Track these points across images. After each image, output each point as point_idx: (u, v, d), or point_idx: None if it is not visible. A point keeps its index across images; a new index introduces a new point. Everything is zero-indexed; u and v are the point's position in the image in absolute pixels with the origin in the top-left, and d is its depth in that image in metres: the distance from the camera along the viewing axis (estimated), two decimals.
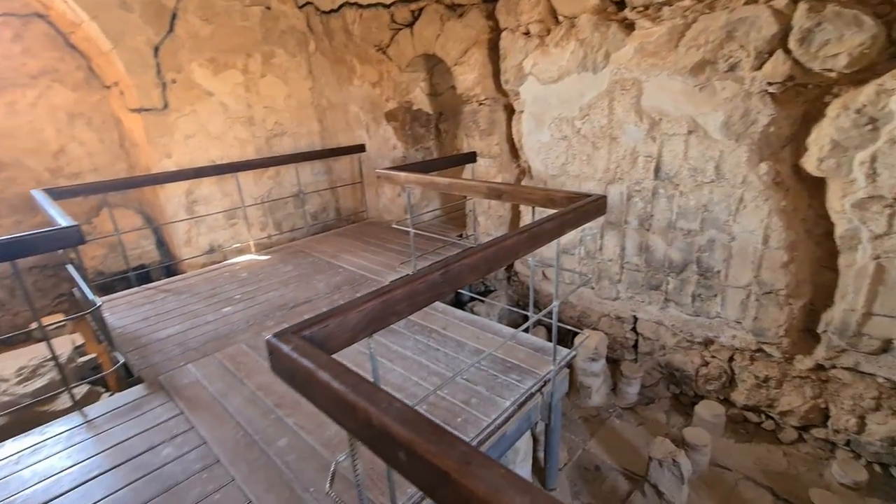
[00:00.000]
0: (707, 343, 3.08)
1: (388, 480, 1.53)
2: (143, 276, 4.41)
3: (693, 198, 2.86)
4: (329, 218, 5.77)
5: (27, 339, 4.07)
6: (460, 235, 4.47)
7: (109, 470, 1.86)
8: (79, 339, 3.36)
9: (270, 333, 2.93)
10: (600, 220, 3.34)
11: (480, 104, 3.86)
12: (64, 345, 3.11)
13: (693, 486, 2.66)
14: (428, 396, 2.13)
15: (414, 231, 3.22)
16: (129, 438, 2.02)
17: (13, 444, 2.04)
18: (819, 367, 2.64)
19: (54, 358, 2.15)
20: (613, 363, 3.58)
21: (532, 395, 2.25)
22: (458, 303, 4.02)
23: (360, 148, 4.92)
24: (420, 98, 4.63)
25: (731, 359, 3.01)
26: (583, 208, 1.93)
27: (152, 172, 4.21)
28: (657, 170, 2.96)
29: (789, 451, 2.81)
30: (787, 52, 2.30)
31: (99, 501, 1.72)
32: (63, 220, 2.14)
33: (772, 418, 2.91)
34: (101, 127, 4.74)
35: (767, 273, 2.68)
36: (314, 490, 1.72)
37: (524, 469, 2.79)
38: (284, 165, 4.91)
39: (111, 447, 1.98)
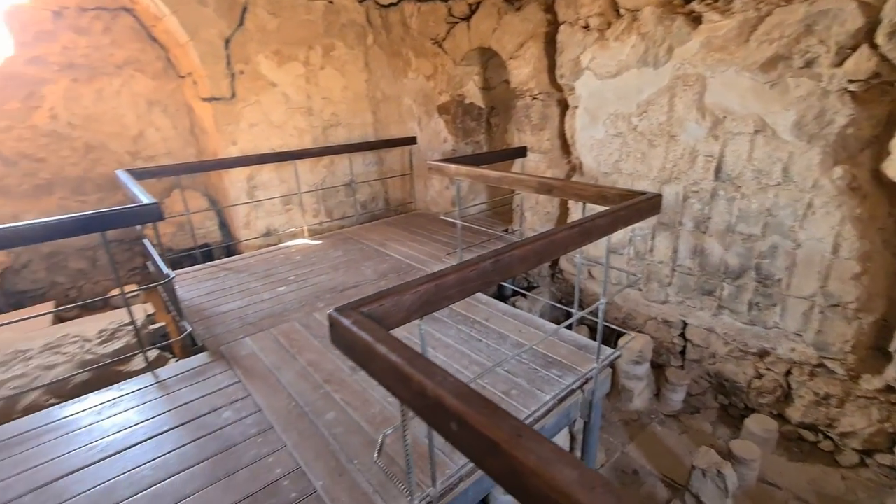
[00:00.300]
0: (762, 354, 2.93)
1: (430, 461, 1.59)
2: (206, 254, 4.74)
3: (756, 201, 2.73)
4: (378, 207, 5.92)
5: (104, 305, 4.49)
6: (506, 230, 4.48)
7: (177, 427, 2.05)
8: (150, 308, 3.67)
9: (321, 314, 3.06)
10: (652, 220, 3.25)
11: (534, 98, 3.83)
12: (137, 313, 3.40)
13: (737, 502, 2.56)
14: (469, 384, 2.18)
15: (462, 223, 3.26)
16: (194, 400, 2.20)
17: (96, 397, 2.28)
18: (889, 389, 2.46)
19: (132, 323, 2.38)
20: (658, 368, 3.48)
21: (573, 391, 2.24)
22: (501, 297, 4.03)
23: (412, 140, 5.02)
24: (473, 92, 4.65)
25: (788, 372, 2.85)
26: (636, 206, 1.90)
27: (219, 157, 4.49)
28: (718, 170, 2.84)
29: (848, 475, 2.65)
30: (874, 47, 2.14)
31: (168, 453, 1.89)
32: (146, 198, 2.34)
33: (830, 438, 2.74)
34: (175, 114, 5.11)
35: (835, 284, 2.52)
36: (358, 462, 1.82)
37: None
38: (339, 155, 5.10)
39: (179, 406, 2.16)
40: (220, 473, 1.78)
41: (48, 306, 4.37)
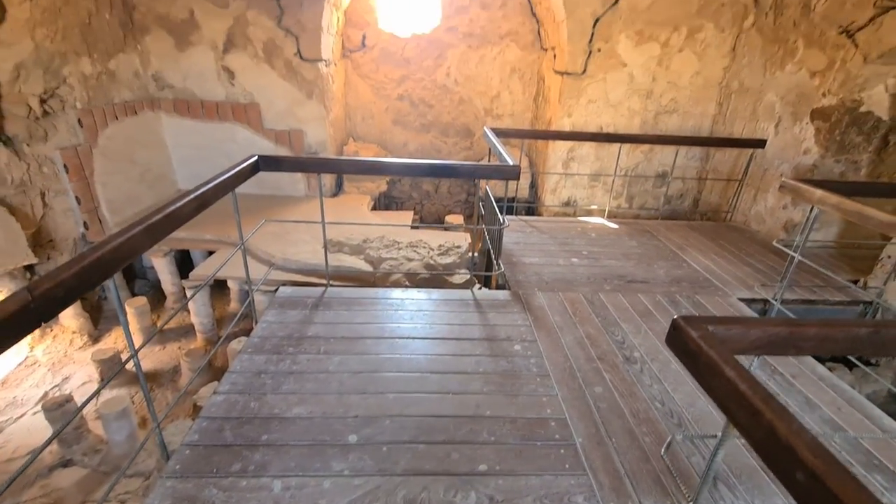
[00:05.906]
0: None
1: (702, 481, 1.62)
2: (509, 208, 5.50)
3: None
4: (683, 206, 5.51)
5: (440, 223, 5.84)
6: (855, 282, 3.52)
7: (482, 339, 2.64)
8: (468, 237, 4.61)
9: (606, 295, 3.23)
10: None
11: None
12: (461, 239, 4.35)
13: None
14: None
15: (799, 258, 2.78)
16: (496, 325, 2.77)
17: (432, 292, 3.13)
18: None
19: (472, 248, 3.09)
20: None
21: None
22: (818, 357, 3.30)
23: (759, 143, 4.35)
24: (878, 99, 3.62)
25: None
26: None
27: (552, 129, 5.00)
28: None
29: None
30: None
31: (473, 356, 2.49)
32: (510, 160, 2.91)
33: None
34: (528, 82, 5.87)
35: None
36: (615, 441, 1.98)
37: None
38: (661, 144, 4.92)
39: (486, 325, 2.77)
40: (506, 388, 2.25)
41: (409, 213, 6.00)
